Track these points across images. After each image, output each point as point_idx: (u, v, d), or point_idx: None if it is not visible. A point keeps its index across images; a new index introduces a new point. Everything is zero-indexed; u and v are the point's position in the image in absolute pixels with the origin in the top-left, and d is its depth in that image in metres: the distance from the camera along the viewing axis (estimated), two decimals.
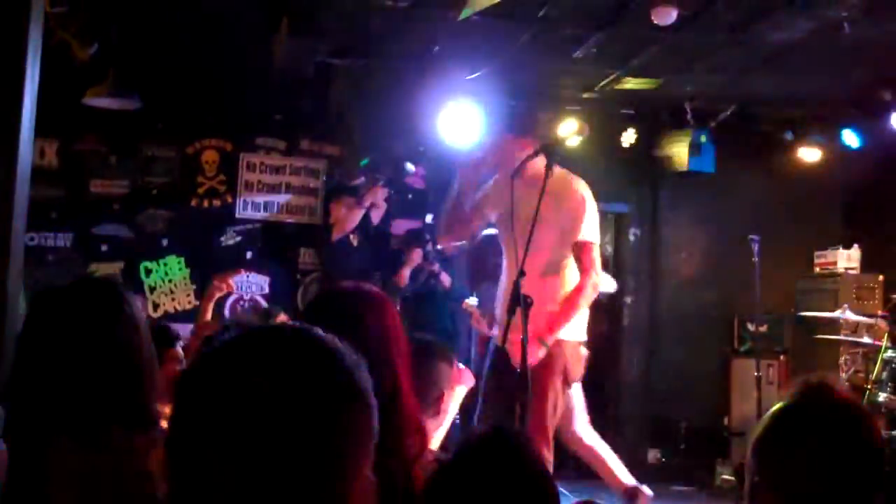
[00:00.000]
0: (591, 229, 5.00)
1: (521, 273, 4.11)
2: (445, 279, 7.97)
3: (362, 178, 7.83)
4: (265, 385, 1.06)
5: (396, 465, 1.97)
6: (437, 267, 7.92)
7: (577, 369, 5.06)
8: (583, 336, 5.12)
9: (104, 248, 7.94)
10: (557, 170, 4.71)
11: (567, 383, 5.01)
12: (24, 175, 2.14)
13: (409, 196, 8.56)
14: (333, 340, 1.14)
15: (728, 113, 8.00)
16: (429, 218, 8.16)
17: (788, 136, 8.07)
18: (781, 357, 8.08)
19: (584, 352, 5.15)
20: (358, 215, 7.79)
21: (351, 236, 7.76)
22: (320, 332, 1.15)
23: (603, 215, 9.19)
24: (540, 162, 4.59)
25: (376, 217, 8.01)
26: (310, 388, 1.07)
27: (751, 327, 7.96)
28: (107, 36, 5.71)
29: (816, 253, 8.40)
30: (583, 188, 5.10)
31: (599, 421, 8.50)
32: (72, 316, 1.93)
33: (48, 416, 1.86)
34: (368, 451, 1.13)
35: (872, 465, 1.74)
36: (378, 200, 7.94)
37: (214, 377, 1.08)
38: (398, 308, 7.44)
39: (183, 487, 1.06)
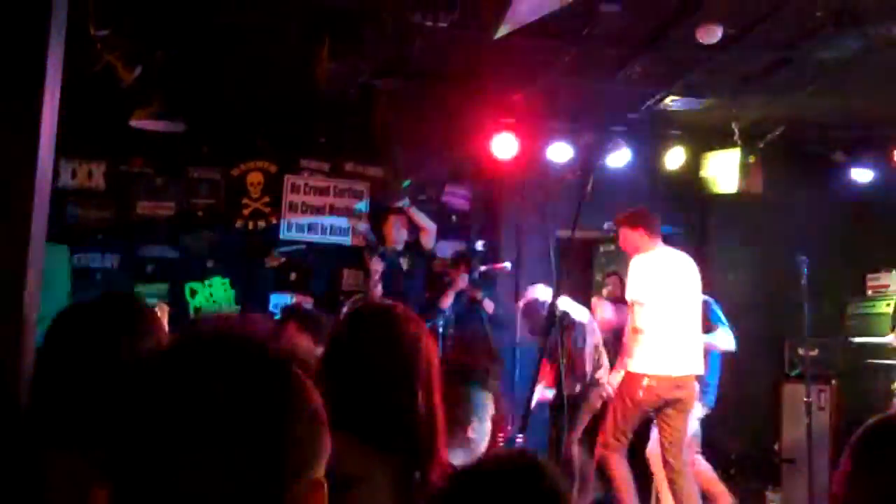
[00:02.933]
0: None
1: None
2: (489, 305, 7.92)
3: (406, 200, 7.81)
4: (201, 390, 1.06)
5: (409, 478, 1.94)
6: (480, 294, 7.87)
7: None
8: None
9: (150, 268, 8.02)
10: None
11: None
12: (43, 185, 2.13)
13: (453, 218, 8.53)
14: (283, 352, 1.13)
15: (777, 133, 7.87)
16: (479, 244, 8.11)
17: (839, 156, 7.92)
18: (832, 382, 7.89)
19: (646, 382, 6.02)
20: (403, 234, 7.75)
21: (401, 259, 7.73)
22: (266, 343, 1.14)
23: None
24: None
25: (426, 241, 7.95)
26: (257, 393, 1.07)
27: (801, 351, 7.78)
28: (152, 59, 5.76)
29: (868, 275, 8.22)
30: None
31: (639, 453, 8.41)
32: (90, 330, 1.92)
33: (60, 430, 1.85)
34: (316, 464, 1.11)
35: None
36: (425, 224, 7.89)
37: (159, 381, 1.09)
38: (439, 329, 7.44)
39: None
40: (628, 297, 6.36)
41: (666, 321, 6.20)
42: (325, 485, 1.11)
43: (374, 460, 1.97)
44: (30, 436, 1.89)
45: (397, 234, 7.72)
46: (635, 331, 6.24)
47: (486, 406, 2.91)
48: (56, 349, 1.93)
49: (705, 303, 6.72)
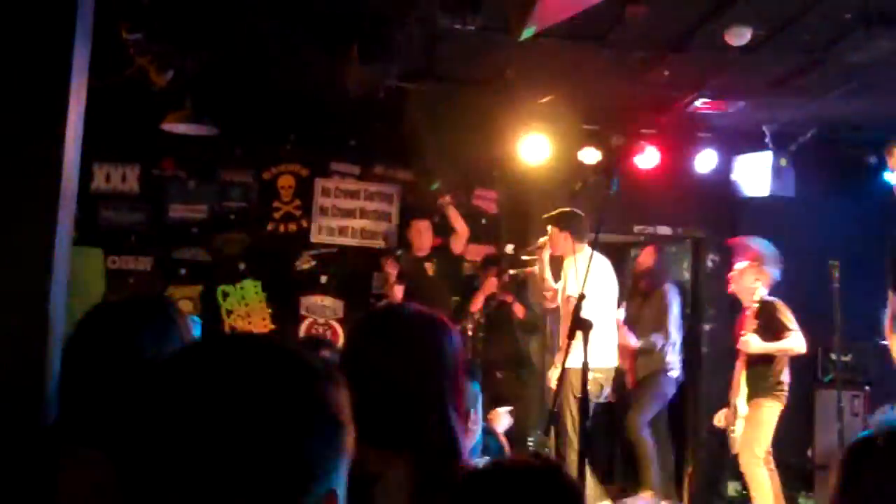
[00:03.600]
0: None
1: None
2: (519, 310, 7.91)
3: (447, 198, 7.82)
4: (231, 393, 1.06)
5: (427, 478, 1.95)
6: (511, 297, 7.88)
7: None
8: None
9: (183, 271, 8.11)
10: None
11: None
12: (69, 188, 2.17)
13: (483, 221, 8.55)
14: (307, 353, 1.13)
15: (809, 136, 7.81)
16: (509, 248, 8.11)
17: (872, 159, 7.83)
18: (866, 388, 7.80)
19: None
20: (427, 240, 7.77)
21: (426, 264, 7.75)
22: (293, 345, 1.15)
23: (680, 241, 9.12)
24: None
25: (457, 245, 7.97)
26: (277, 399, 1.07)
27: (834, 357, 7.69)
28: (183, 62, 5.83)
29: None
30: None
31: (678, 452, 8.36)
32: (116, 330, 1.95)
33: (83, 431, 1.88)
34: (336, 466, 1.10)
35: None
36: (459, 225, 7.89)
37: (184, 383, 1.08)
38: (469, 332, 7.46)
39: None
40: (571, 292, 6.41)
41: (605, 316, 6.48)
42: (339, 496, 1.10)
43: (392, 460, 1.98)
44: (54, 434, 1.92)
45: (422, 240, 7.74)
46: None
47: (477, 396, 2.99)
48: (82, 349, 1.96)
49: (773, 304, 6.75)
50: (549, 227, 6.87)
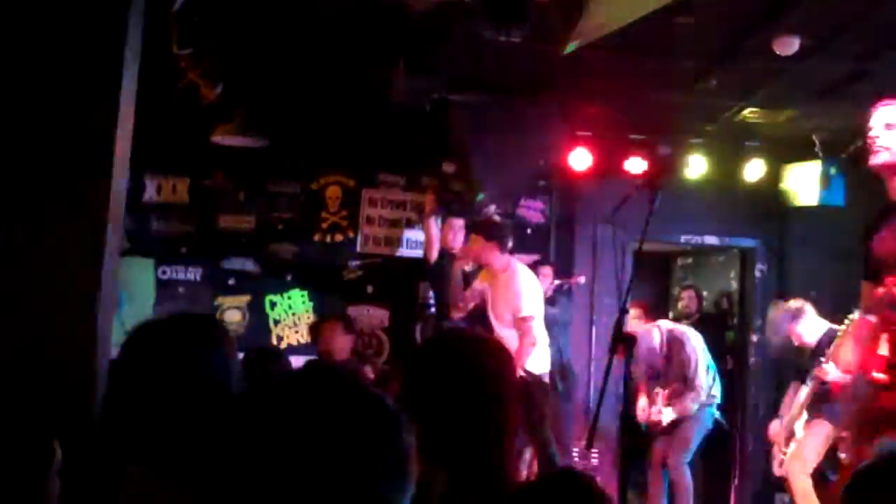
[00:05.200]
0: None
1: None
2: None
3: (492, 207, 7.78)
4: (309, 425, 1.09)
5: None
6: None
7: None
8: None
9: (231, 281, 8.18)
10: None
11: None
12: (117, 199, 2.22)
13: (528, 231, 8.54)
14: (375, 391, 1.16)
15: (859, 144, 7.70)
16: (547, 270, 8.10)
17: None
18: None
19: None
20: (459, 238, 7.65)
21: (466, 267, 7.71)
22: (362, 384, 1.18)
23: (728, 250, 9.05)
24: None
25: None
26: (362, 443, 1.10)
27: None
28: (233, 76, 5.91)
29: None
30: None
31: (724, 465, 8.28)
32: (164, 347, 1.97)
33: (129, 446, 1.91)
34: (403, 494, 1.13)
35: None
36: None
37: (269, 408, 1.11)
38: None
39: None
40: (526, 313, 6.40)
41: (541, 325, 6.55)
42: None
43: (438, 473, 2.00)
44: (103, 448, 1.95)
45: (454, 238, 7.59)
46: (533, 345, 6.41)
47: None
48: (130, 362, 1.99)
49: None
50: (471, 237, 6.82)
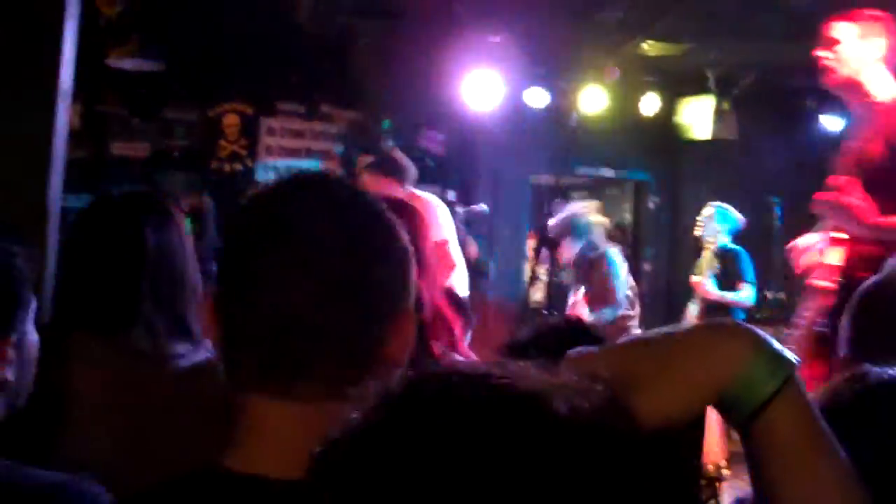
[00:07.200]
0: None
1: None
2: (472, 249, 7.94)
3: (389, 142, 7.75)
4: None
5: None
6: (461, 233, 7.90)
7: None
8: None
9: None
10: None
11: None
12: (60, 136, 2.22)
13: (429, 163, 8.55)
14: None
15: (751, 80, 7.95)
16: (450, 194, 8.14)
17: (811, 103, 8.01)
18: None
19: None
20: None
21: None
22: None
23: (622, 183, 9.27)
24: None
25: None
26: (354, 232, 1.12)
27: (769, 294, 7.91)
28: None
29: None
30: None
31: None
32: (116, 220, 1.97)
33: (77, 312, 1.92)
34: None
35: None
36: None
37: None
38: None
39: None
40: (441, 238, 6.48)
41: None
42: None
43: None
44: (56, 321, 1.95)
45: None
46: (452, 268, 6.46)
47: None
48: (82, 240, 1.98)
49: (736, 252, 6.80)
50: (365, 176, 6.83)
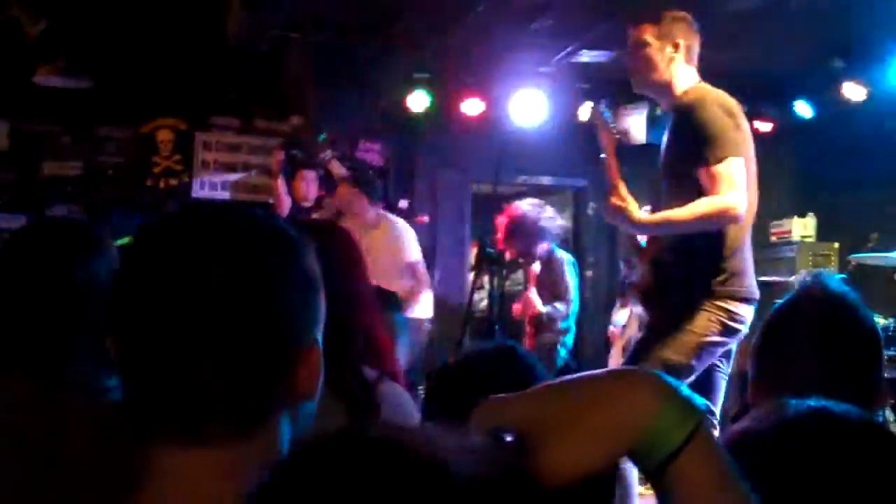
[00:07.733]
0: None
1: None
2: None
3: (328, 152, 7.65)
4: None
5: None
6: None
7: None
8: None
9: None
10: None
11: None
12: None
13: (369, 174, 8.51)
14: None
15: None
16: (402, 203, 8.14)
17: (742, 107, 8.10)
18: None
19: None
20: (312, 190, 7.61)
21: (313, 215, 7.64)
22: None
23: (561, 190, 9.30)
24: None
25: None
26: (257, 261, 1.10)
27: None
28: (57, 12, 5.61)
29: (772, 222, 8.48)
30: None
31: None
32: (42, 254, 1.91)
33: (5, 350, 1.85)
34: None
35: (867, 345, 1.83)
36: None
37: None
38: None
39: None
40: (417, 256, 6.67)
41: None
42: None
43: None
44: None
45: (307, 191, 7.55)
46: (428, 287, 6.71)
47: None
48: (6, 275, 1.92)
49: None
50: (341, 188, 6.84)
